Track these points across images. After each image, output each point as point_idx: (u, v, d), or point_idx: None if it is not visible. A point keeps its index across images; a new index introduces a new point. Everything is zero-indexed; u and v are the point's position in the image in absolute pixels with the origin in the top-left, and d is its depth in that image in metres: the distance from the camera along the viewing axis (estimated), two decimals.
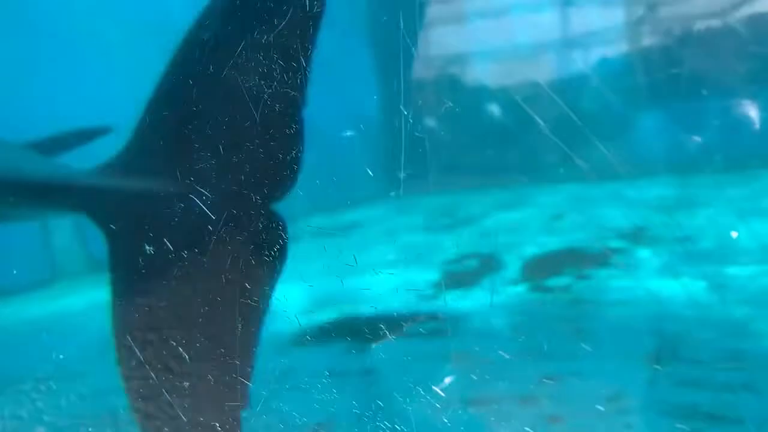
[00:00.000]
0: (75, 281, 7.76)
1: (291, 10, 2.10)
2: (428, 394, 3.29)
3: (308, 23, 2.16)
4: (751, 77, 14.68)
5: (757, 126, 14.51)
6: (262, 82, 2.14)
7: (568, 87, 19.39)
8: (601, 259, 6.09)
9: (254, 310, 2.49)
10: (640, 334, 3.77)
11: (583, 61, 22.69)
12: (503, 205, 12.18)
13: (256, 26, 2.11)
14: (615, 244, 6.82)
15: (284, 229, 2.57)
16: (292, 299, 5.70)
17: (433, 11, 23.44)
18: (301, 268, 7.28)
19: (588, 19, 22.39)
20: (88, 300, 6.58)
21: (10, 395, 3.82)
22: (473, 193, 15.15)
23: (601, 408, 3.07)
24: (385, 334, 4.35)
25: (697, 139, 15.30)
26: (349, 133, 13.03)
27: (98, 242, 7.76)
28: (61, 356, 4.49)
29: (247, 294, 2.42)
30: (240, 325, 2.40)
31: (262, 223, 2.42)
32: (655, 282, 5.00)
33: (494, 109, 19.57)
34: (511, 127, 19.10)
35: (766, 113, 14.65)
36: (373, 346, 4.14)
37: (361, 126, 15.93)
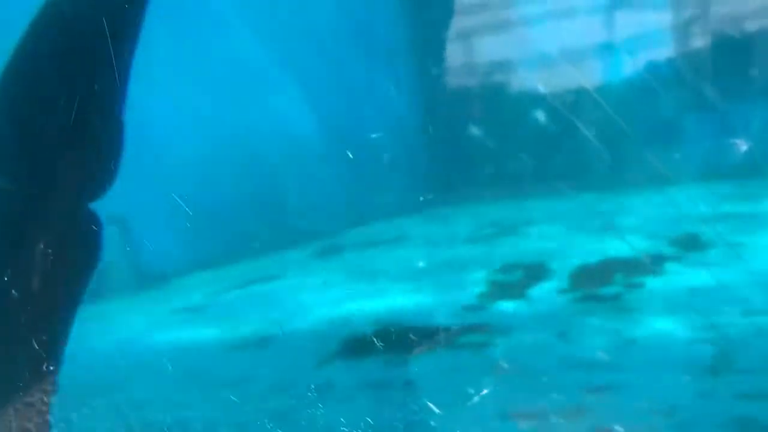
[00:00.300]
0: (123, 295, 7.98)
1: (100, 14, 2.10)
2: (470, 406, 3.23)
3: (120, 27, 2.17)
4: None
5: None
6: (66, 86, 2.16)
7: (615, 92, 18.99)
8: (651, 267, 5.88)
9: (62, 306, 2.49)
10: (693, 344, 3.61)
11: (630, 65, 22.19)
12: (549, 213, 11.97)
13: (63, 29, 2.13)
14: (666, 251, 6.60)
15: (98, 230, 2.56)
16: (336, 309, 5.72)
17: (475, 18, 23.38)
18: (344, 279, 7.32)
19: (635, 22, 21.91)
20: (136, 315, 6.76)
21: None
22: (518, 201, 14.93)
23: (655, 422, 2.94)
24: (427, 345, 4.30)
25: (748, 143, 14.73)
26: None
27: (146, 256, 8.00)
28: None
29: (52, 290, 2.42)
30: (47, 321, 2.43)
31: (72, 222, 2.41)
32: (707, 290, 4.80)
33: (539, 115, 19.33)
34: (557, 133, 18.80)
35: None
36: (415, 357, 4.09)
37: (404, 137, 15.96)
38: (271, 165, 11.12)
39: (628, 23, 22.01)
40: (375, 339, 4.63)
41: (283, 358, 4.40)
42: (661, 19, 21.23)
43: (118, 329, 6.09)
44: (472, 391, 3.33)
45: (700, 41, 19.80)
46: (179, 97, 9.46)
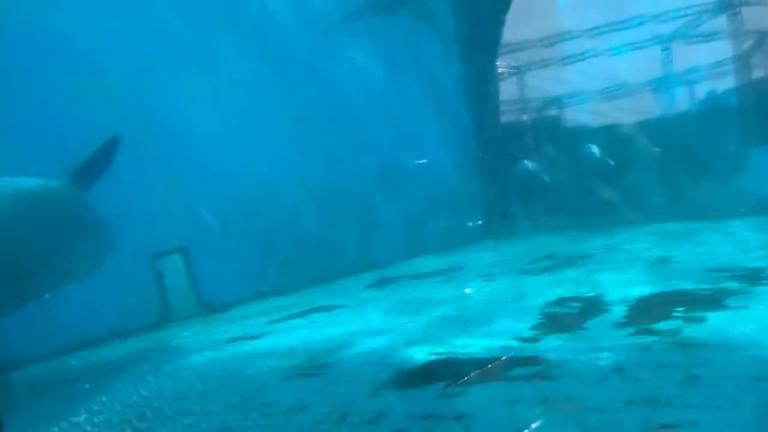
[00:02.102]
0: (186, 322, 8.24)
1: None
2: None
3: None
4: None
5: None
6: None
7: (675, 124, 18.60)
8: (713, 301, 5.70)
9: None
10: (759, 382, 3.47)
11: (689, 97, 21.73)
12: (607, 246, 11.71)
13: None
14: (729, 285, 6.36)
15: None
16: (390, 339, 5.75)
17: (529, 55, 23.45)
18: (399, 309, 7.38)
19: (693, 53, 21.48)
20: (196, 342, 6.96)
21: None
22: (575, 234, 14.69)
23: None
24: (480, 377, 4.28)
25: None
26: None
27: (208, 285, 8.30)
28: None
29: None
30: None
31: None
32: None
33: (595, 150, 19.07)
34: (616, 166, 18.50)
35: None
36: (468, 388, 4.08)
37: (461, 172, 16.07)
38: (329, 198, 11.39)
39: (685, 55, 21.60)
40: (427, 370, 4.64)
41: (338, 386, 4.45)
42: (721, 48, 20.73)
43: (180, 356, 6.29)
44: (523, 424, 3.30)
45: (761, 70, 19.21)
46: (245, 133, 9.86)
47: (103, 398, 4.79)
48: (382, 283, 10.14)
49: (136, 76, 8.46)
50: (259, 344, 6.30)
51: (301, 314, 7.87)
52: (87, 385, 5.39)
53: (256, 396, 4.41)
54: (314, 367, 5.05)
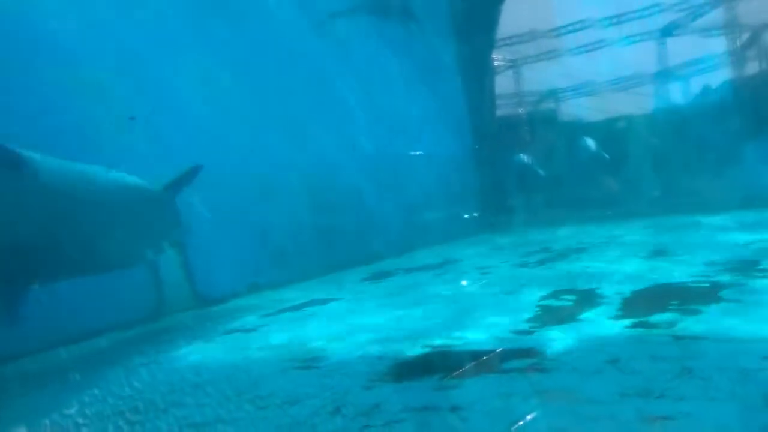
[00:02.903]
0: (181, 315, 8.21)
1: None
2: (516, 430, 3.19)
3: None
4: None
5: None
6: None
7: (669, 118, 18.62)
8: (708, 293, 5.72)
9: None
10: (754, 374, 3.48)
11: (684, 92, 21.74)
12: (603, 239, 11.74)
13: None
14: (724, 278, 6.39)
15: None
16: (386, 332, 5.75)
17: (525, 48, 23.40)
18: (395, 302, 7.40)
19: (688, 48, 21.49)
20: (191, 334, 6.94)
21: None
22: (570, 227, 14.71)
23: None
24: (475, 369, 4.28)
25: None
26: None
27: (204, 278, 8.35)
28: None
29: None
30: None
31: None
32: (765, 317, 4.63)
33: (591, 143, 19.10)
34: (610, 160, 18.54)
35: None
36: (463, 380, 4.08)
37: (457, 163, 16.05)
38: (328, 192, 11.36)
39: (680, 49, 21.60)
40: (422, 363, 4.64)
41: (332, 378, 4.44)
42: (716, 43, 20.73)
43: (173, 348, 6.27)
44: (518, 415, 3.30)
45: (756, 64, 19.24)
46: (243, 126, 9.81)
47: (95, 391, 4.77)
48: (377, 276, 10.14)
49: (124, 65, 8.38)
50: (254, 337, 6.28)
51: (296, 307, 7.85)
52: (78, 378, 5.35)
53: (250, 388, 4.40)
54: (309, 359, 5.04)
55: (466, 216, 16.27)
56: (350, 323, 6.38)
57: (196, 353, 5.88)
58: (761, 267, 6.77)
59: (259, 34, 10.41)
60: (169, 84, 8.73)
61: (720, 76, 19.48)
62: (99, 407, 4.37)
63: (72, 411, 4.30)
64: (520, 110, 23.67)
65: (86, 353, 6.57)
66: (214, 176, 8.96)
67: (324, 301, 8.09)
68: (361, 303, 7.78)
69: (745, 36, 19.91)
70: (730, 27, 19.74)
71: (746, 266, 6.87)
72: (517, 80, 24.57)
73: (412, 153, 14.27)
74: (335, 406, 3.81)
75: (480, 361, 4.46)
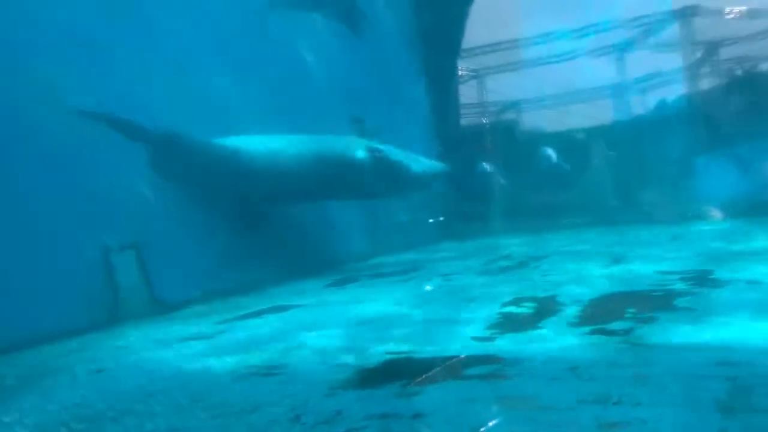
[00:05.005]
0: (137, 320, 7.99)
1: None
2: None
3: None
4: None
5: None
6: None
7: (627, 130, 19.11)
8: (664, 302, 5.85)
9: None
10: (708, 381, 3.55)
11: (642, 104, 22.35)
12: (563, 248, 11.93)
13: None
14: (679, 286, 6.56)
15: None
16: (347, 339, 5.70)
17: (488, 59, 23.72)
18: (357, 309, 7.37)
19: (645, 62, 22.14)
20: (146, 340, 6.76)
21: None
22: (531, 235, 14.92)
23: None
24: (436, 376, 4.27)
25: (761, 179, 14.72)
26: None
27: (162, 283, 8.14)
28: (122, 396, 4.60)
29: None
30: None
31: None
32: (723, 326, 4.75)
33: (552, 153, 19.48)
34: (570, 170, 18.91)
35: None
36: (425, 387, 4.06)
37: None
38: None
39: (638, 64, 22.23)
40: (382, 370, 4.60)
41: (293, 386, 4.37)
42: (672, 58, 21.39)
43: (127, 354, 6.09)
44: (480, 422, 3.30)
45: (711, 80, 19.93)
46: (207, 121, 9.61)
47: (35, 399, 4.55)
48: (340, 283, 10.08)
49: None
50: (211, 343, 6.15)
51: (256, 313, 7.74)
52: (16, 385, 5.11)
53: (205, 396, 4.29)
54: (268, 366, 4.95)
55: (431, 221, 16.38)
56: (311, 330, 6.31)
57: (151, 360, 5.71)
58: (714, 276, 6.97)
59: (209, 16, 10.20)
60: None
61: (676, 90, 20.11)
62: (39, 416, 4.17)
63: (8, 419, 4.08)
64: (484, 120, 23.98)
65: (29, 361, 6.28)
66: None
67: (285, 308, 8.00)
68: (324, 310, 7.71)
69: (700, 52, 20.61)
70: (686, 43, 20.39)
71: (698, 276, 7.07)
72: (481, 90, 24.90)
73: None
74: (295, 413, 3.74)
75: (442, 367, 4.45)
